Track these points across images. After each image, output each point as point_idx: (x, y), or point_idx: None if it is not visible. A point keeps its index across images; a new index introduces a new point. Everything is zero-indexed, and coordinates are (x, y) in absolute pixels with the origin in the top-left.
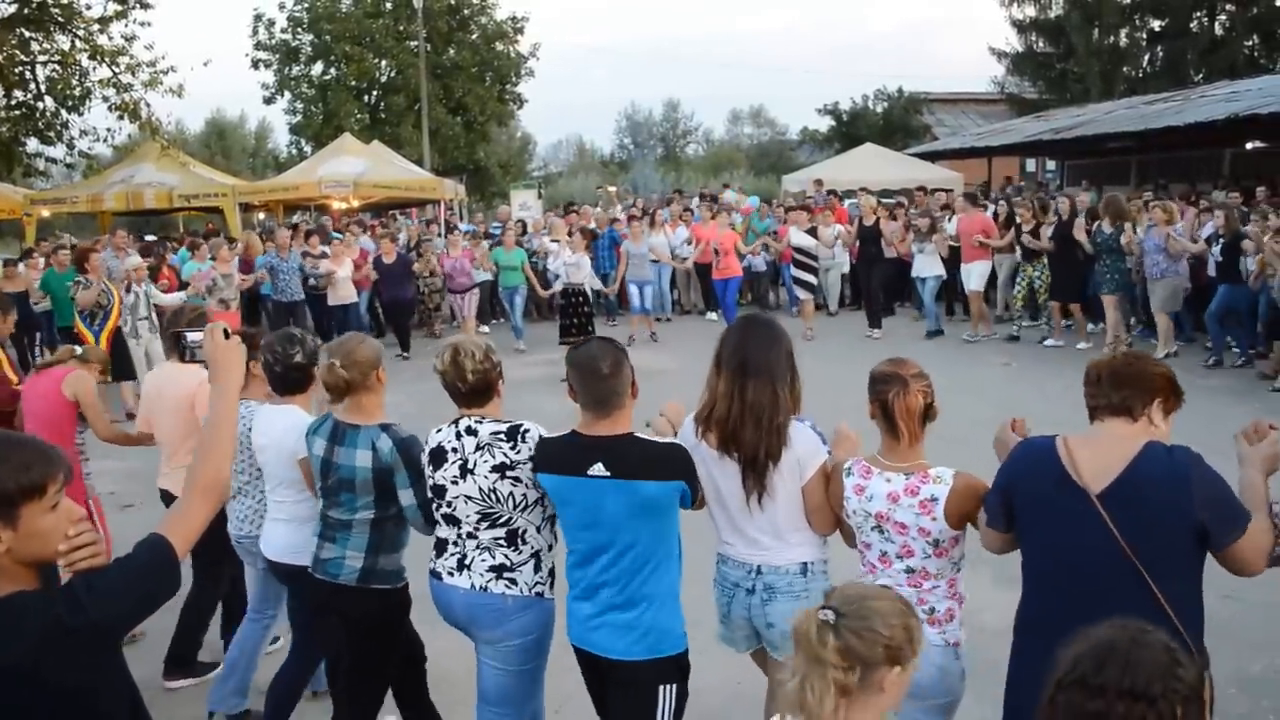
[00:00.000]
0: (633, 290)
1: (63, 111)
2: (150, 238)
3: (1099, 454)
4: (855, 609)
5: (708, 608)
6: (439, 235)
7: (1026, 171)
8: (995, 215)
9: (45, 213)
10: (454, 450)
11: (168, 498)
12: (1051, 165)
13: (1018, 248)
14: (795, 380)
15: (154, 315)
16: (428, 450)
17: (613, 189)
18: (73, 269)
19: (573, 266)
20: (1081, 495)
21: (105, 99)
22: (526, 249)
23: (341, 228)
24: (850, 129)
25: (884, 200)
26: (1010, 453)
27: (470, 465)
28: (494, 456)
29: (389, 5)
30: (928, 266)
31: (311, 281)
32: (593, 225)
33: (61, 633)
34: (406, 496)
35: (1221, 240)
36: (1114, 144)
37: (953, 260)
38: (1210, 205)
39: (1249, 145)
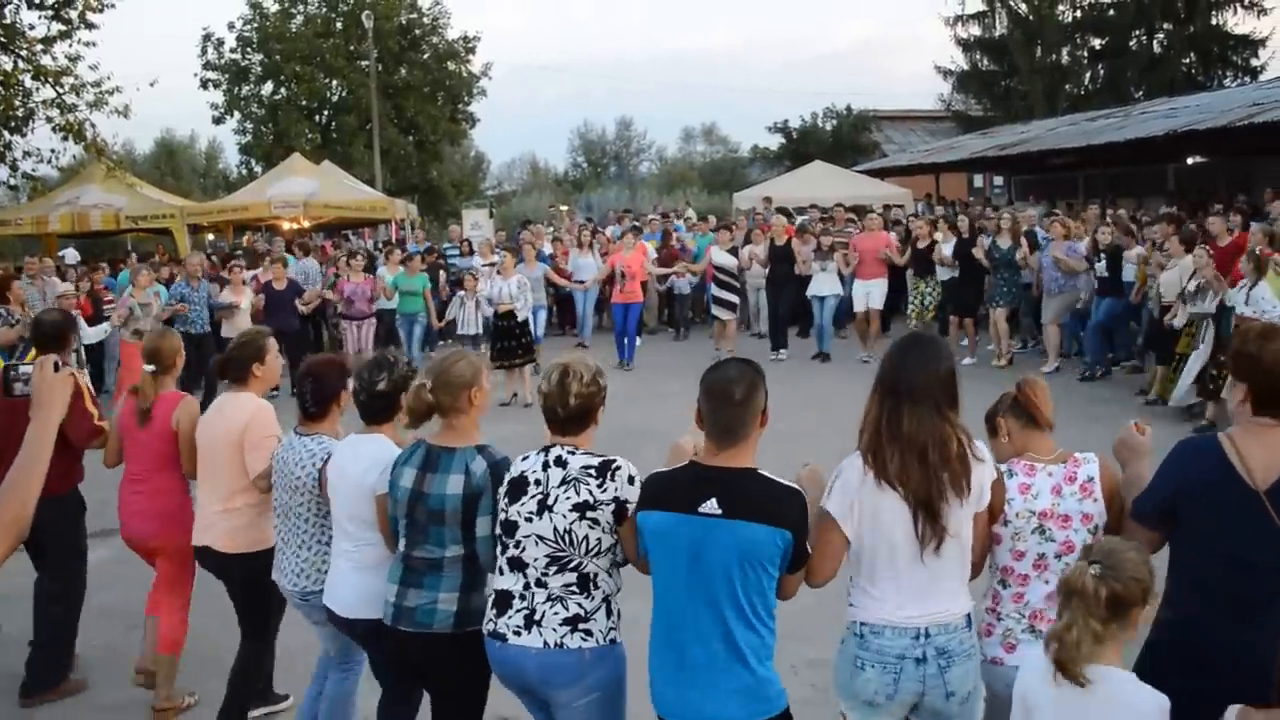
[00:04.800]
0: (528, 316)
1: (5, 133)
2: (72, 258)
3: (1268, 449)
4: (1114, 560)
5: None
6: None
7: (975, 187)
8: (909, 232)
9: None
10: (537, 483)
11: (209, 556)
12: (999, 181)
13: (910, 263)
14: (957, 403)
15: (81, 349)
16: (507, 480)
17: (564, 208)
18: None
19: (520, 286)
20: (1251, 494)
21: (49, 120)
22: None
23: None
24: (800, 146)
25: (825, 215)
26: (1171, 454)
27: (550, 501)
28: (578, 493)
29: (339, 25)
30: (827, 285)
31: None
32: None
33: None
34: (484, 525)
35: (1104, 255)
36: (1059, 159)
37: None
38: (1084, 221)
39: (1189, 160)
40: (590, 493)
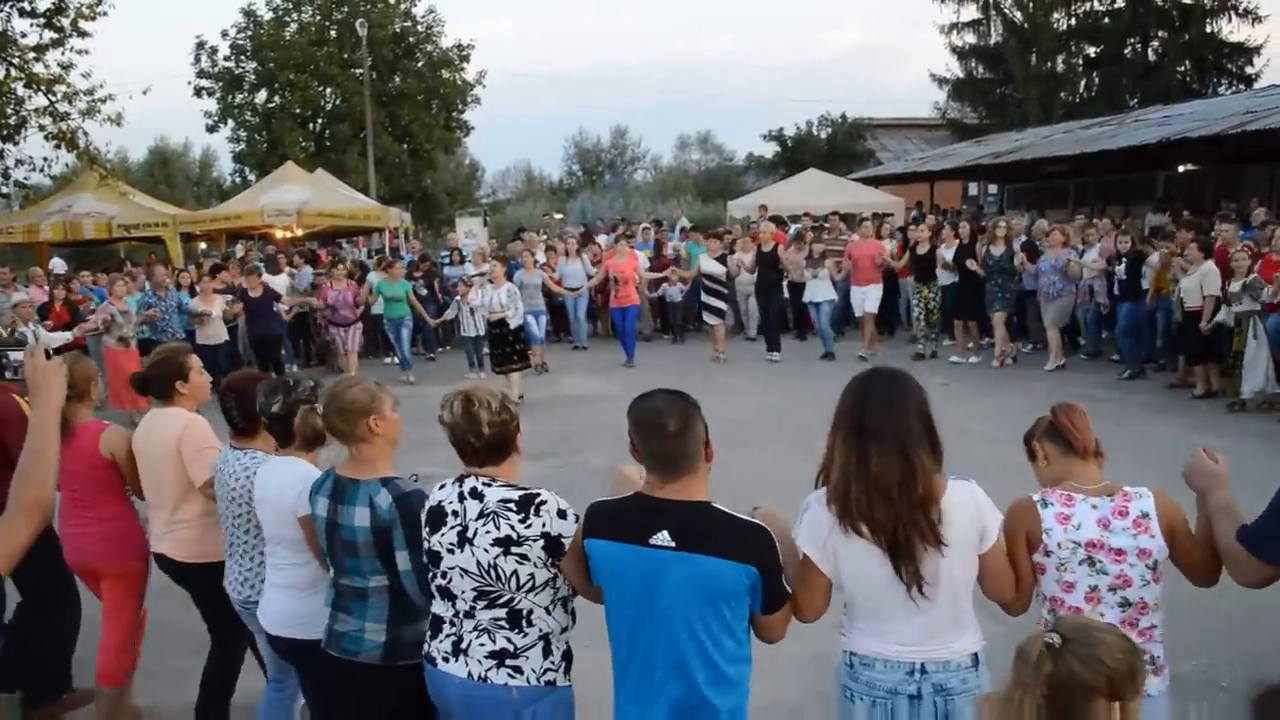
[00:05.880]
0: (530, 320)
1: None
2: (59, 268)
3: None
4: (1082, 636)
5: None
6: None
7: (969, 195)
8: (907, 240)
9: None
10: (454, 514)
11: (167, 564)
12: (993, 189)
13: (911, 269)
14: (936, 443)
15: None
16: (426, 509)
17: (558, 216)
18: None
19: (510, 295)
20: None
21: (42, 128)
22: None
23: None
24: (795, 154)
25: (819, 222)
26: None
27: (470, 534)
28: (498, 528)
29: (333, 33)
30: (821, 291)
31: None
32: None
33: None
34: (403, 560)
35: (1125, 261)
36: (1052, 168)
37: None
38: (1098, 231)
39: (1180, 168)
40: (512, 528)
